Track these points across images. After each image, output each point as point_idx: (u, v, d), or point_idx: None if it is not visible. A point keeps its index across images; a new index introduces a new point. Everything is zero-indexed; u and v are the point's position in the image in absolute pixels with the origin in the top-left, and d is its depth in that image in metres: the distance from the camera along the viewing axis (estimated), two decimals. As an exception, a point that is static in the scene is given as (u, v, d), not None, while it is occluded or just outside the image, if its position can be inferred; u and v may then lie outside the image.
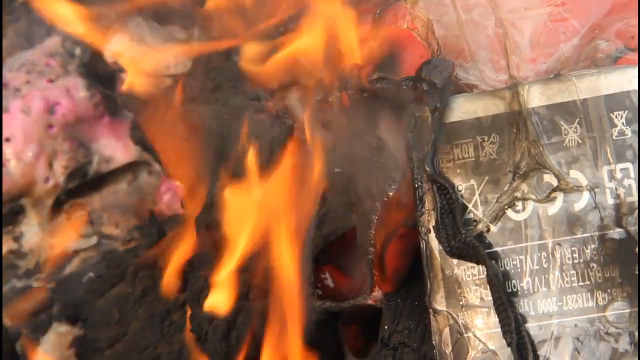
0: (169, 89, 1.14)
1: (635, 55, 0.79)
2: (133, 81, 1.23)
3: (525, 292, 0.75)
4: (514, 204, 0.76)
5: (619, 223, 0.75)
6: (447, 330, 0.76)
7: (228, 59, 1.08)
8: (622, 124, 0.75)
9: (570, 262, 0.75)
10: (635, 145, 0.75)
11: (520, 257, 0.75)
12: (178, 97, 1.10)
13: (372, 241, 0.86)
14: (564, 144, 0.76)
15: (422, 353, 0.85)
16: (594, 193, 0.75)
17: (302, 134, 0.93)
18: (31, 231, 1.29)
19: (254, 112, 0.97)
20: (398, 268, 0.86)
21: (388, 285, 0.86)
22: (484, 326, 0.76)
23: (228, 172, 0.94)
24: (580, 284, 0.75)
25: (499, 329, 0.74)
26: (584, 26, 0.80)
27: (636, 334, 0.73)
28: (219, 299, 0.92)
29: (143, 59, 1.25)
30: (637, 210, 0.74)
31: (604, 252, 0.75)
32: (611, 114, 0.75)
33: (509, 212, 0.76)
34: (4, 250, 1.28)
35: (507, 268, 0.75)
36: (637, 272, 0.74)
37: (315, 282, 0.90)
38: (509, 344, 0.73)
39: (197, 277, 0.95)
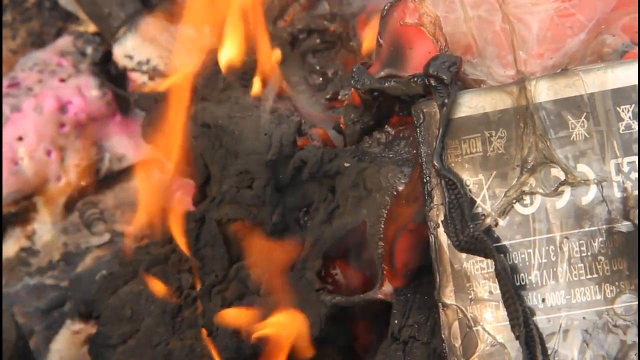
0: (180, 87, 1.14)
1: (642, 50, 0.79)
2: (144, 80, 1.24)
3: (534, 285, 0.75)
4: (522, 198, 0.76)
5: (626, 216, 0.75)
6: (456, 324, 0.77)
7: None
8: (629, 117, 0.75)
9: (578, 255, 0.75)
10: (643, 138, 0.75)
11: (529, 250, 0.76)
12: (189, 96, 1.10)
13: (382, 235, 0.86)
14: (571, 138, 0.76)
15: (432, 347, 0.85)
16: (602, 186, 0.75)
17: (310, 129, 0.94)
18: (44, 229, 1.30)
19: (264, 111, 0.97)
20: (408, 262, 0.86)
21: (398, 280, 0.87)
22: (492, 319, 0.76)
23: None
24: (589, 276, 0.75)
25: (508, 322, 0.74)
26: (591, 21, 0.81)
27: (644, 326, 0.74)
28: None
29: (155, 58, 1.26)
30: None
31: (612, 245, 0.75)
32: (618, 108, 0.76)
33: (517, 206, 0.76)
34: (17, 248, 1.29)
35: (516, 262, 0.76)
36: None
37: (325, 277, 0.91)
38: (517, 337, 0.74)
39: (208, 272, 0.96)
